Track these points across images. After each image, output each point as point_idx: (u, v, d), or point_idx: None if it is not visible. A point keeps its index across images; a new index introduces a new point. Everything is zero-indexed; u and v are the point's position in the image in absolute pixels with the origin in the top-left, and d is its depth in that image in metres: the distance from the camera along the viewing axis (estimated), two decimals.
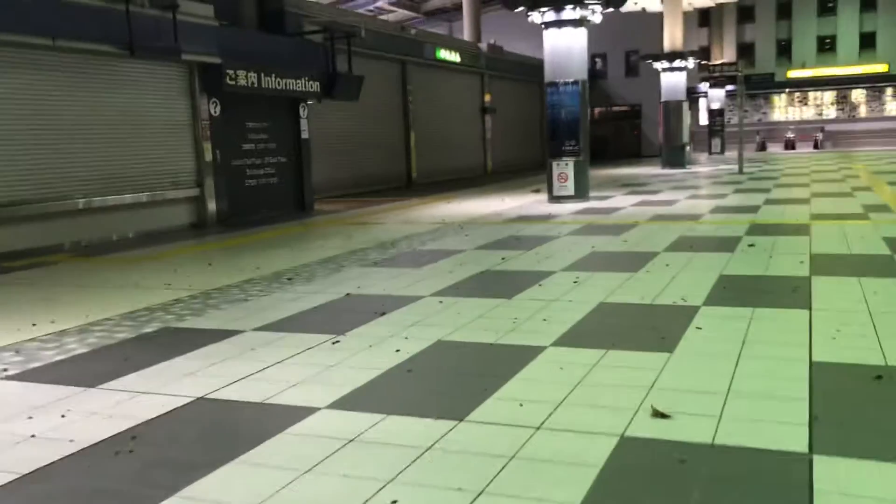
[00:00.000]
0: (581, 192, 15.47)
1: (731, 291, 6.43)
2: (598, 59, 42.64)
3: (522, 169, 30.68)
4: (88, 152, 11.85)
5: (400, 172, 23.80)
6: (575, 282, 7.08)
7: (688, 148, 28.13)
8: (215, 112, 13.89)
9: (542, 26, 15.45)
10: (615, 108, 42.97)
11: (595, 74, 42.35)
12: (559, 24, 15.15)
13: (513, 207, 14.99)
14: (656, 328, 5.29)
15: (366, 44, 20.91)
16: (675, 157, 27.22)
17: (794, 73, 41.16)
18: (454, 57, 25.83)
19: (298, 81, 15.48)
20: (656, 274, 7.32)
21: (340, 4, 35.54)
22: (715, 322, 5.40)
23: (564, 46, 15.25)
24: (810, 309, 5.66)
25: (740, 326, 5.23)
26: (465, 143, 28.01)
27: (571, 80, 15.27)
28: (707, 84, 38.15)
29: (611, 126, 42.82)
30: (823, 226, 10.35)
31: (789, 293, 6.27)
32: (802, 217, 11.45)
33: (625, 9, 30.05)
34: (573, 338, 5.13)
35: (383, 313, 6.07)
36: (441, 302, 6.43)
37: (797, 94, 43.25)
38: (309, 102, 16.76)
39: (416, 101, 24.31)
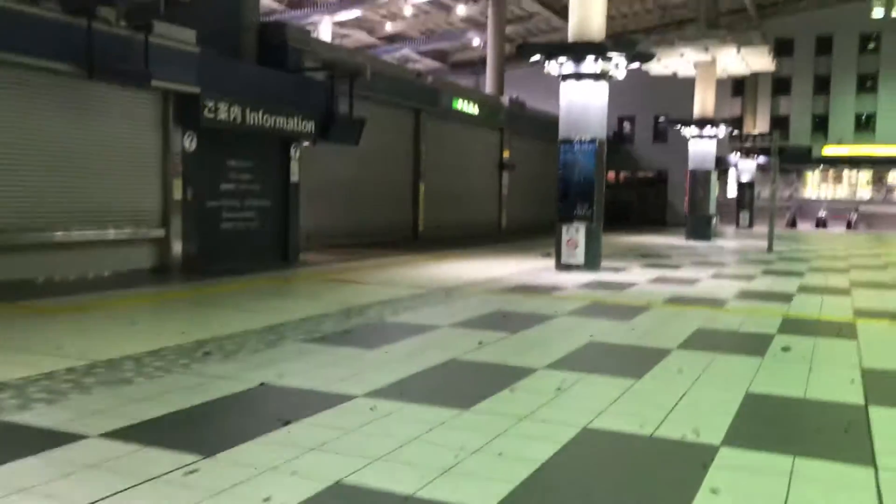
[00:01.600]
0: (592, 262, 13.89)
1: (762, 424, 4.80)
2: (625, 122, 41.44)
3: (538, 228, 29.07)
4: (32, 181, 10.49)
5: (406, 224, 22.38)
6: (558, 389, 5.47)
7: (714, 220, 26.50)
8: (190, 146, 12.54)
9: (560, 78, 14.06)
10: (640, 174, 41.54)
11: (622, 137, 41.16)
12: (578, 76, 13.75)
13: (514, 273, 13.42)
14: (652, 488, 3.66)
15: (378, 88, 19.70)
16: (700, 228, 25.58)
17: (829, 150, 39.59)
18: (472, 109, 24.57)
19: (290, 120, 14.16)
20: (664, 384, 5.69)
21: (365, 49, 34.65)
22: (739, 480, 3.77)
23: (582, 102, 13.83)
24: (875, 466, 4.01)
25: (776, 492, 3.60)
26: (479, 198, 26.61)
27: (588, 138, 13.81)
28: (737, 154, 36.64)
29: (635, 191, 41.35)
30: (872, 326, 8.67)
31: (841, 433, 4.63)
32: (845, 313, 9.77)
33: (655, 72, 28.84)
34: (530, 497, 3.52)
35: (287, 422, 4.50)
36: (373, 409, 4.85)
37: (831, 171, 41.63)
38: (304, 144, 15.43)
39: (428, 150, 22.99)
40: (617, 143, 40.86)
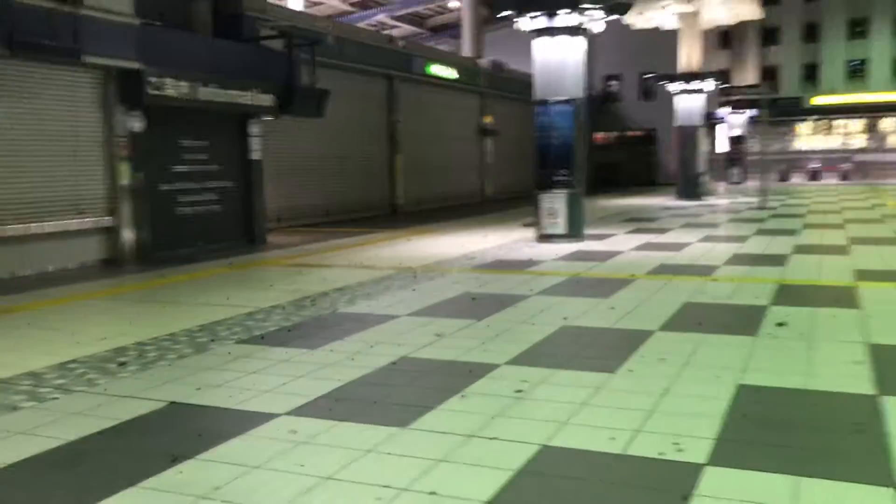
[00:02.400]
0: (574, 231, 13.08)
1: (756, 428, 4.02)
2: (612, 81, 40.38)
3: (525, 196, 28.16)
4: None
5: (384, 199, 21.51)
6: (518, 392, 4.68)
7: (704, 178, 25.67)
8: (137, 127, 11.63)
9: (533, 34, 13.14)
10: (629, 133, 40.60)
11: (609, 97, 40.16)
12: (552, 31, 12.83)
13: (492, 247, 12.61)
14: None
15: (346, 55, 18.76)
16: (690, 187, 24.76)
17: (821, 99, 38.62)
18: (449, 73, 23.59)
19: (246, 94, 13.25)
20: (642, 379, 4.91)
21: (335, 19, 33.51)
22: None
23: (557, 59, 12.92)
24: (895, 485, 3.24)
25: None
26: (461, 167, 25.71)
27: (564, 98, 12.92)
28: (727, 109, 35.72)
29: (624, 152, 40.44)
30: (876, 291, 7.90)
31: (849, 435, 3.86)
32: (844, 275, 8.99)
33: (638, 26, 27.81)
34: None
35: (175, 459, 3.70)
36: (294, 432, 4.06)
37: (823, 121, 40.68)
38: (265, 118, 14.52)
39: (404, 120, 22.05)
40: (604, 102, 39.91)
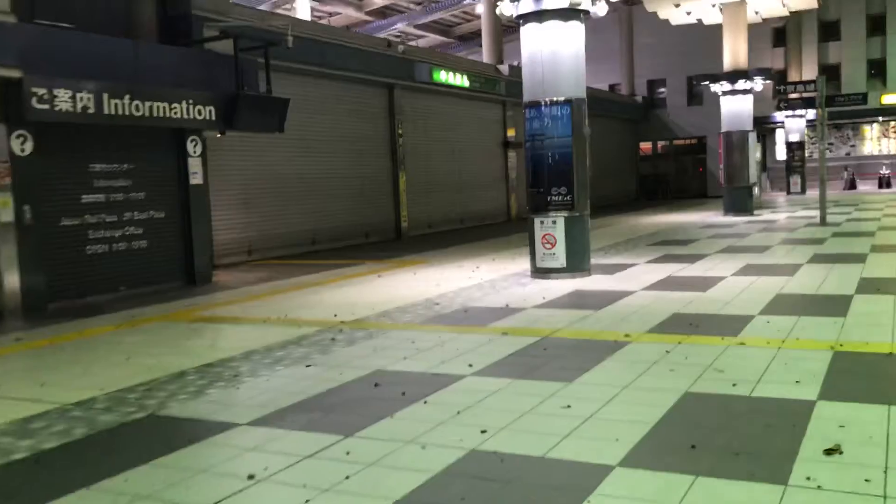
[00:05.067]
0: (576, 263, 10.45)
1: None
2: (661, 90, 37.33)
3: None
4: None
5: (386, 222, 19.09)
6: None
7: (755, 190, 22.65)
8: (23, 150, 9.46)
9: (518, 23, 10.62)
10: (677, 142, 37.52)
11: (653, 103, 37.23)
12: (539, 16, 10.28)
13: (471, 286, 10.07)
14: None
15: (333, 61, 16.54)
16: (738, 200, 21.78)
17: (889, 98, 34.94)
18: (459, 80, 21.11)
19: (179, 106, 10.98)
20: None
21: (357, 28, 31.43)
22: None
23: (549, 50, 10.36)
24: None
25: None
26: (480, 184, 23.17)
27: (560, 98, 10.34)
28: (784, 112, 32.48)
29: (672, 162, 37.39)
30: None
31: None
32: None
33: (678, 21, 25.00)
34: None
35: None
36: None
37: (893, 122, 36.93)
38: (208, 135, 12.28)
39: (407, 133, 19.65)
40: (647, 109, 37.01)
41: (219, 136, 12.91)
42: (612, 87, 37.92)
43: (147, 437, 4.56)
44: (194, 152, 11.78)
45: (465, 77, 21.30)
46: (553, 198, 10.43)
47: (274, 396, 5.24)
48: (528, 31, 10.47)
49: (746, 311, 7.53)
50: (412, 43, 35.08)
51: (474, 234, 19.14)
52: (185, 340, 7.40)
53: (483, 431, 4.28)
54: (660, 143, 38.00)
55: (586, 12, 10.41)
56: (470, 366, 5.81)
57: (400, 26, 33.43)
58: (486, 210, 23.35)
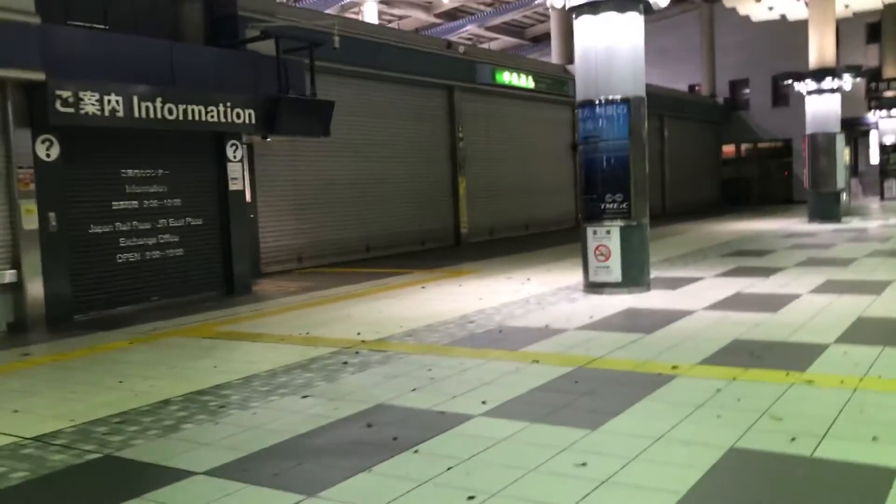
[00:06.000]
0: (632, 277, 9.53)
1: None
2: (745, 90, 35.55)
3: None
4: None
5: (444, 229, 18.41)
6: None
7: (843, 195, 21.07)
8: (48, 155, 9.13)
9: (571, 15, 9.78)
10: (761, 145, 35.70)
11: (735, 104, 35.53)
12: (594, 7, 9.41)
13: (515, 302, 9.29)
14: None
15: (389, 63, 15.98)
16: (824, 207, 20.27)
17: None
18: (524, 82, 20.27)
19: (217, 109, 10.55)
20: None
21: (427, 31, 30.95)
22: None
23: (604, 45, 9.48)
24: None
25: None
26: (547, 189, 22.25)
27: (617, 97, 9.45)
28: (877, 113, 30.44)
29: (755, 166, 35.60)
30: None
31: None
32: None
33: (760, 17, 23.58)
34: None
35: None
36: None
37: None
38: (250, 139, 11.85)
39: (469, 137, 18.93)
40: (729, 110, 35.34)
41: (266, 140, 12.47)
42: (691, 87, 36.39)
43: (85, 486, 3.96)
44: (234, 157, 11.34)
45: (529, 78, 20.44)
46: (608, 205, 9.54)
47: (251, 436, 4.58)
48: (581, 24, 9.62)
49: (820, 339, 6.52)
50: (483, 45, 34.40)
51: (537, 241, 18.26)
52: (190, 361, 6.84)
53: (470, 498, 3.51)
54: (743, 146, 36.27)
55: (647, 3, 9.49)
56: (483, 403, 5.04)
57: (470, 28, 32.77)
58: (551, 216, 22.41)
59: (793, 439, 4.10)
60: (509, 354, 6.45)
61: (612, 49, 9.44)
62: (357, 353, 6.78)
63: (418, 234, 17.52)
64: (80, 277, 9.51)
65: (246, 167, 12.79)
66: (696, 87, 35.84)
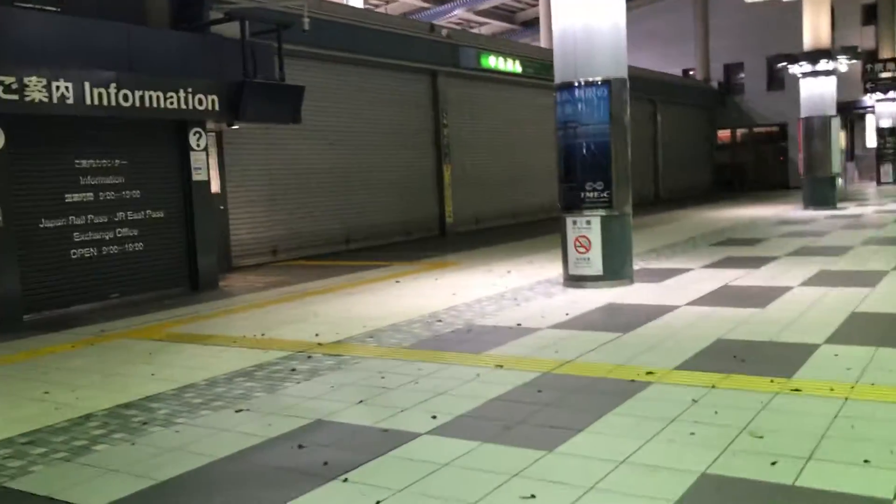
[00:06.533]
0: (614, 269, 9.02)
1: None
2: (741, 75, 34.93)
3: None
4: None
5: (428, 219, 17.87)
6: None
7: (839, 181, 20.55)
8: None
9: None
10: (756, 130, 35.13)
11: (729, 88, 34.94)
12: None
13: (490, 297, 8.78)
14: None
15: (368, 47, 15.43)
16: (819, 192, 19.76)
17: None
18: (511, 66, 19.68)
19: (177, 95, 9.99)
20: None
21: (415, 16, 30.30)
22: None
23: (581, 23, 8.92)
24: None
25: None
26: (536, 177, 21.66)
27: (597, 79, 8.90)
28: (874, 96, 29.88)
29: (750, 151, 35.06)
30: None
31: None
32: None
33: None
34: None
35: None
36: None
37: None
38: (214, 127, 11.30)
39: (454, 123, 18.36)
40: (724, 95, 34.76)
41: (232, 127, 11.92)
42: (685, 72, 35.81)
43: None
44: (198, 146, 10.78)
45: (517, 62, 19.86)
46: (588, 194, 9.02)
47: (167, 460, 4.07)
48: (559, 1, 9.05)
49: (810, 338, 6.01)
50: (473, 30, 33.77)
51: (524, 230, 17.73)
52: (130, 367, 6.32)
53: None
54: (738, 131, 35.71)
55: None
56: (433, 418, 4.53)
57: (459, 12, 32.13)
58: (541, 204, 21.84)
59: (774, 463, 3.59)
60: (472, 358, 5.94)
61: (591, 27, 8.88)
62: (310, 357, 6.27)
63: (401, 225, 16.99)
64: (29, 275, 8.98)
65: (213, 156, 12.28)
66: (691, 72, 35.25)
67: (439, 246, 15.43)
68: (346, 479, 3.67)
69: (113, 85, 9.31)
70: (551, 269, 10.71)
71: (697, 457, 3.71)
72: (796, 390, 4.71)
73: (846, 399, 4.49)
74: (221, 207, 12.70)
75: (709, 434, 4.02)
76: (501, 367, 5.64)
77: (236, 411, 4.90)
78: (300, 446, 4.17)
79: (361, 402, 4.94)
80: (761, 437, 3.94)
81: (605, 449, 3.89)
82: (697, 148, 33.14)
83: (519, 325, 7.14)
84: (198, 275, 10.77)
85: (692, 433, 4.05)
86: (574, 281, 9.16)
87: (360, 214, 15.96)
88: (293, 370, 5.87)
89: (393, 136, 16.74)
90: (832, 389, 4.68)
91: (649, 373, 5.25)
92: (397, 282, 10.48)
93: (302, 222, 14.65)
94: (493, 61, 19.02)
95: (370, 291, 9.75)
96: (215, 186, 12.47)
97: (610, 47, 8.94)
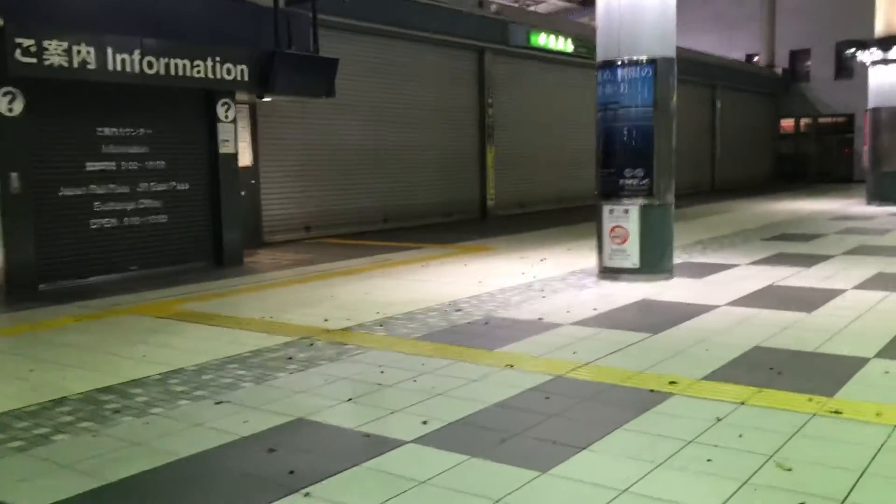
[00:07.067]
0: (653, 262, 8.45)
1: None
2: (808, 63, 33.48)
3: (682, 195, 22.78)
4: None
5: (470, 201, 17.40)
6: None
7: None
8: (10, 110, 8.36)
9: None
10: (821, 120, 33.71)
11: (794, 75, 33.55)
12: None
13: (516, 287, 8.31)
14: None
15: (412, 21, 14.92)
16: (884, 188, 18.69)
17: None
18: (564, 45, 18.99)
19: (200, 64, 9.67)
20: None
21: None
22: None
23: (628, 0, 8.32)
24: None
25: None
26: (582, 161, 20.86)
27: (642, 57, 8.30)
28: None
29: (815, 142, 33.68)
30: None
31: None
32: None
33: None
34: None
35: None
36: None
37: None
38: (244, 99, 10.99)
39: (498, 103, 17.80)
40: (789, 82, 33.39)
41: (263, 100, 11.59)
42: (749, 57, 34.50)
43: None
44: (226, 117, 10.47)
45: (568, 41, 19.15)
46: (626, 181, 8.45)
47: (125, 456, 3.72)
48: None
49: (858, 351, 5.40)
50: (531, 9, 32.93)
51: (566, 216, 17.12)
52: (125, 346, 6.02)
53: None
54: (802, 121, 34.32)
55: None
56: (424, 423, 4.10)
57: None
58: (588, 189, 21.01)
59: None
60: (483, 355, 5.48)
61: (635, 4, 8.26)
62: (311, 344, 5.88)
63: (440, 206, 16.54)
64: (46, 244, 8.79)
65: (245, 129, 11.99)
66: (755, 58, 33.94)
67: (477, 229, 14.95)
68: (307, 494, 3.26)
69: (137, 51, 9.02)
70: (589, 258, 10.12)
71: (711, 490, 3.21)
72: (836, 412, 4.15)
73: (895, 427, 3.92)
74: (253, 182, 12.41)
75: (729, 462, 3.51)
76: (512, 366, 5.17)
77: (216, 403, 4.53)
78: (271, 450, 3.78)
79: (350, 399, 4.54)
80: (790, 470, 3.41)
81: (606, 473, 3.41)
82: (758, 137, 31.94)
83: (541, 319, 6.65)
84: (222, 250, 10.50)
85: (709, 459, 3.54)
86: (609, 273, 8.61)
87: (398, 193, 15.56)
88: (289, 359, 5.49)
89: (435, 114, 16.27)
90: (879, 414, 4.11)
91: (672, 382, 4.73)
92: (424, 266, 10.06)
93: (337, 199, 14.31)
94: (542, 39, 18.36)
95: (395, 275, 9.35)
96: (247, 160, 12.19)
97: (657, 23, 8.32)
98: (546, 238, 12.94)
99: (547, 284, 8.43)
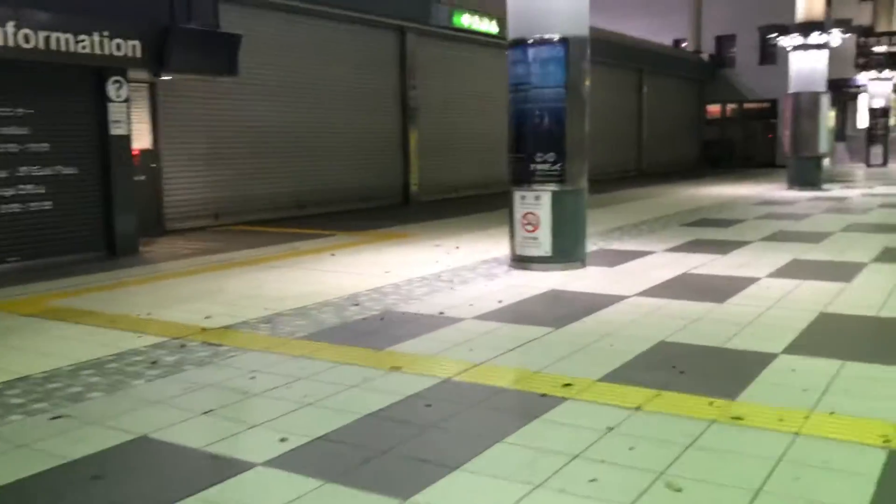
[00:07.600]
0: (565, 251, 8.11)
1: None
2: (733, 49, 33.77)
3: (606, 181, 22.65)
4: None
5: (392, 186, 16.90)
6: None
7: (826, 161, 19.65)
8: None
9: None
10: (746, 106, 34.14)
11: (720, 62, 33.88)
12: None
13: (418, 278, 7.87)
14: None
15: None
16: (804, 173, 18.87)
17: None
18: (488, 26, 18.57)
19: (84, 39, 8.93)
20: None
21: None
22: None
23: None
24: None
25: None
26: (504, 147, 20.62)
27: (553, 36, 7.91)
28: (867, 74, 28.92)
29: (739, 127, 34.11)
30: None
31: None
32: None
33: None
34: None
35: None
36: None
37: None
38: (138, 77, 10.26)
39: (421, 87, 17.30)
40: (714, 68, 33.71)
41: (164, 78, 10.88)
42: (677, 42, 34.74)
43: None
44: (117, 96, 9.74)
45: (493, 22, 18.71)
46: (538, 166, 8.07)
47: None
48: None
49: (766, 346, 5.12)
50: None
51: (493, 201, 16.72)
52: None
53: None
54: (728, 106, 34.72)
55: None
56: (282, 440, 3.62)
57: None
58: None
59: None
60: (369, 357, 5.03)
61: None
62: (183, 346, 5.35)
63: (361, 192, 15.99)
64: None
65: (144, 109, 11.27)
66: (683, 44, 34.16)
67: (397, 215, 14.47)
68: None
69: (11, 23, 8.25)
70: (505, 246, 9.77)
71: None
72: (737, 418, 3.82)
73: (797, 434, 3.61)
74: (153, 165, 11.69)
75: (614, 481, 3.13)
76: (399, 368, 4.74)
77: (52, 418, 3.98)
78: (95, 477, 3.26)
79: (206, 412, 4.03)
80: (679, 490, 3.05)
81: (475, 498, 3.00)
82: (685, 122, 32.18)
83: (441, 313, 6.23)
84: (115, 239, 9.79)
85: (593, 480, 3.16)
86: (520, 262, 8.25)
87: (314, 178, 14.97)
88: (154, 363, 4.94)
89: (354, 95, 15.70)
90: (781, 419, 3.79)
91: (567, 385, 4.36)
92: (332, 255, 9.55)
93: (248, 184, 13.66)
94: (466, 20, 17.91)
95: (298, 265, 8.82)
96: (146, 142, 11.47)
97: (569, 1, 7.92)
98: (467, 224, 12.56)
99: (457, 274, 8.02)
